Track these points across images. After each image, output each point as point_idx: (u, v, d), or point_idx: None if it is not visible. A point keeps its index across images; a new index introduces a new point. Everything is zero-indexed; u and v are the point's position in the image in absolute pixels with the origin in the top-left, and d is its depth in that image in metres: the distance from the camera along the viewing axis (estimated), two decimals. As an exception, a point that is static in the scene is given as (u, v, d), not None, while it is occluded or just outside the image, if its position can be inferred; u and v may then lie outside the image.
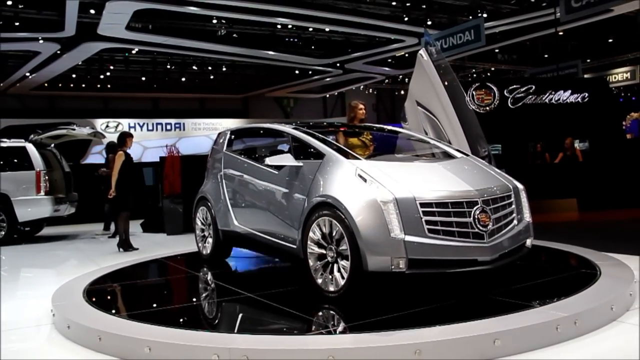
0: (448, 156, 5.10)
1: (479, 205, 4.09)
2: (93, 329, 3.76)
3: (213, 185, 6.26)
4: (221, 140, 6.43)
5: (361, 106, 6.53)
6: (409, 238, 3.88)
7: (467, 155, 5.12)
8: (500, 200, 4.32)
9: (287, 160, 4.88)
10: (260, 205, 5.39)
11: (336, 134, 6.24)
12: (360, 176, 4.19)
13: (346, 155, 4.56)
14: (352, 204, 4.06)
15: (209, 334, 3.63)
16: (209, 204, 6.19)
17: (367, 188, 4.08)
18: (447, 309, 3.92)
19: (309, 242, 4.43)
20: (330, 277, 4.25)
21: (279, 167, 5.03)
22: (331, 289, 4.23)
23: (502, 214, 4.29)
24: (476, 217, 4.04)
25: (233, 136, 6.39)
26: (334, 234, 4.21)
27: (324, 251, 4.33)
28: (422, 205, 3.97)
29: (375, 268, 3.93)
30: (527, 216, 4.60)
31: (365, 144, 6.27)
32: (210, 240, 6.22)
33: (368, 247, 3.93)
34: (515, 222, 4.41)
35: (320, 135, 5.02)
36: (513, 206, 4.45)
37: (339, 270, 4.18)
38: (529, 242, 4.58)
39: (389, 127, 6.17)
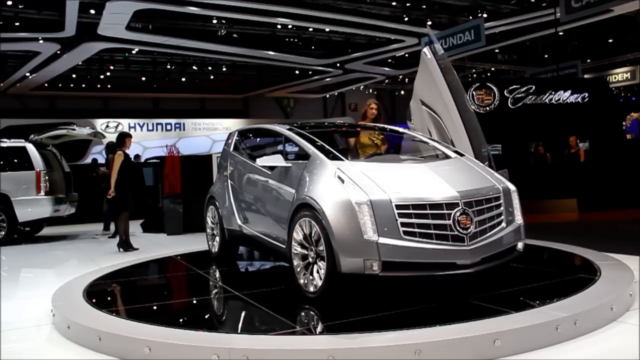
0: (443, 156, 5.07)
1: (460, 207, 3.99)
2: (93, 329, 3.76)
3: (220, 185, 6.37)
4: (229, 141, 6.54)
5: (373, 105, 6.72)
6: (382, 240, 3.85)
7: (462, 155, 5.07)
8: (485, 202, 4.21)
9: (277, 161, 4.92)
10: (257, 205, 5.47)
11: (354, 134, 6.32)
12: (339, 177, 4.18)
13: (330, 156, 4.55)
14: (327, 205, 4.06)
15: (209, 334, 3.62)
16: (217, 203, 6.30)
17: (344, 189, 4.07)
18: (446, 310, 3.93)
19: (292, 243, 4.45)
20: (311, 277, 4.27)
21: (272, 168, 5.08)
22: (311, 289, 4.26)
23: (487, 216, 4.18)
24: (456, 219, 3.95)
25: (239, 136, 6.48)
26: (312, 234, 4.22)
27: (305, 252, 4.35)
28: (398, 207, 3.92)
29: (348, 270, 3.91)
30: (519, 218, 4.47)
31: (376, 144, 6.28)
32: (218, 239, 6.32)
33: (341, 249, 3.92)
34: (503, 224, 4.30)
35: (311, 136, 5.02)
36: (501, 208, 4.33)
37: (317, 272, 4.19)
38: (520, 245, 4.45)
39: (390, 127, 6.16)
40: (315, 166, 4.49)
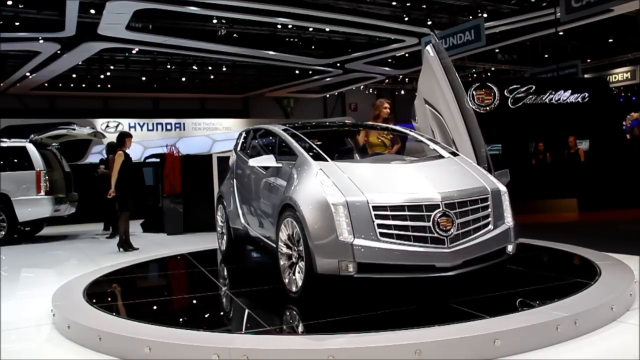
0: (438, 156, 5.01)
1: (441, 209, 3.92)
2: (93, 329, 3.76)
3: (227, 185, 6.49)
4: (238, 141, 6.65)
5: (386, 104, 6.64)
6: (358, 241, 3.83)
7: (457, 155, 5.02)
8: (470, 204, 4.12)
9: (269, 161, 4.97)
10: (256, 205, 5.54)
11: (355, 133, 6.34)
12: (320, 178, 4.20)
13: (316, 156, 4.56)
14: (306, 206, 4.08)
15: (209, 334, 3.62)
16: (224, 202, 6.40)
17: (322, 190, 4.07)
18: (446, 309, 3.92)
19: (279, 242, 4.49)
20: (294, 277, 4.29)
21: (266, 168, 5.13)
22: (293, 289, 4.29)
23: (471, 218, 4.09)
24: (436, 221, 3.89)
25: (245, 136, 6.56)
26: (294, 234, 4.24)
27: (290, 251, 4.36)
28: (375, 208, 3.89)
29: (323, 270, 3.91)
30: (509, 220, 4.34)
31: (385, 144, 6.26)
32: (225, 237, 6.42)
33: (317, 249, 3.93)
34: (490, 226, 4.20)
35: (303, 136, 5.03)
36: (489, 210, 4.22)
37: (299, 272, 4.20)
38: (510, 247, 4.32)
39: (392, 127, 6.13)
40: (300, 166, 4.53)
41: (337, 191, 4.00)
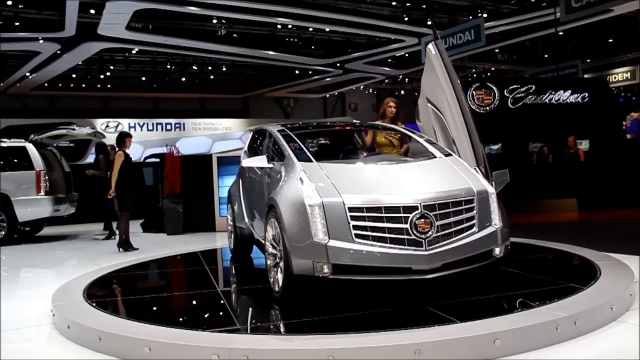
0: (431, 157, 4.95)
1: (419, 211, 3.86)
2: (93, 329, 3.76)
3: (235, 184, 6.60)
4: (247, 141, 6.74)
5: (391, 103, 6.64)
6: (332, 243, 3.81)
7: (449, 155, 4.95)
8: (452, 205, 4.03)
9: (261, 161, 5.01)
10: (253, 204, 5.61)
11: (360, 132, 6.39)
12: (300, 178, 4.20)
13: (301, 157, 4.56)
14: (284, 206, 4.10)
15: (209, 333, 3.62)
16: (232, 201, 6.50)
17: (300, 190, 4.08)
18: (447, 309, 3.92)
19: (265, 242, 4.52)
20: (277, 277, 4.30)
21: (262, 168, 5.16)
22: (276, 288, 4.30)
23: (453, 220, 3.99)
24: (414, 223, 3.83)
25: (252, 136, 6.62)
26: (276, 235, 4.27)
27: (275, 251, 4.38)
28: (351, 209, 3.87)
29: (299, 271, 3.91)
30: (496, 222, 4.22)
31: (392, 143, 6.26)
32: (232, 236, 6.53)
33: (293, 250, 3.94)
34: (475, 228, 4.09)
35: (294, 137, 5.02)
36: (473, 212, 4.12)
37: (281, 272, 4.21)
38: (497, 250, 4.19)
39: (392, 127, 6.12)
40: (286, 167, 4.56)
41: (314, 192, 4.00)
